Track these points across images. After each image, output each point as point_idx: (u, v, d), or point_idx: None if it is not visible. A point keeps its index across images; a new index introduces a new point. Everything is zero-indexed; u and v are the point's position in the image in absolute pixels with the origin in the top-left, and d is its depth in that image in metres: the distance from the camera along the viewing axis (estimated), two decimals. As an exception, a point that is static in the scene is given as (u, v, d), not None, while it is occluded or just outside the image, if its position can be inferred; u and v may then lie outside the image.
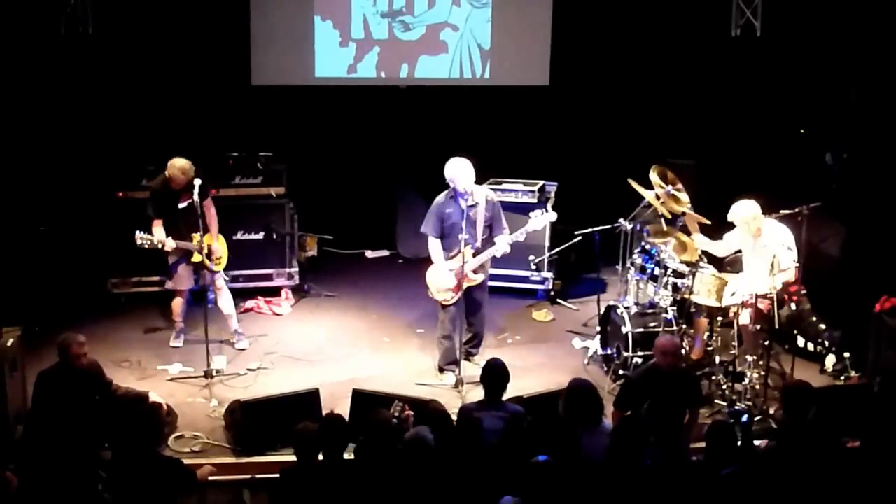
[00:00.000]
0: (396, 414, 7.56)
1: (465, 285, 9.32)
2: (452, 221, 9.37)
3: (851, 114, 11.92)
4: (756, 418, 8.59)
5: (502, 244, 9.40)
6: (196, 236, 9.49)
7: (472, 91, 13.12)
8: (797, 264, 9.17)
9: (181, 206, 9.64)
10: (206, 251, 9.61)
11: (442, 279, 9.39)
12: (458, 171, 9.27)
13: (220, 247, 9.96)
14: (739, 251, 9.60)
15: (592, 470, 6.73)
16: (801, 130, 12.17)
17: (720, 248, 9.71)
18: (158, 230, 9.64)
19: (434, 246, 9.48)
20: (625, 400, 8.03)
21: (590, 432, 7.10)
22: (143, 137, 11.78)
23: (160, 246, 9.59)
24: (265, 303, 11.30)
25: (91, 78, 11.91)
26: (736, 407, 8.84)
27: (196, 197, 9.28)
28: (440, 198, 9.49)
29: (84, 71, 11.86)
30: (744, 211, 9.22)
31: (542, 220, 9.60)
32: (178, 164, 9.62)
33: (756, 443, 7.72)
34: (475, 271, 9.35)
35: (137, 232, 9.52)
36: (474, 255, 9.30)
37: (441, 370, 9.65)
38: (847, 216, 11.05)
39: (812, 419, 7.02)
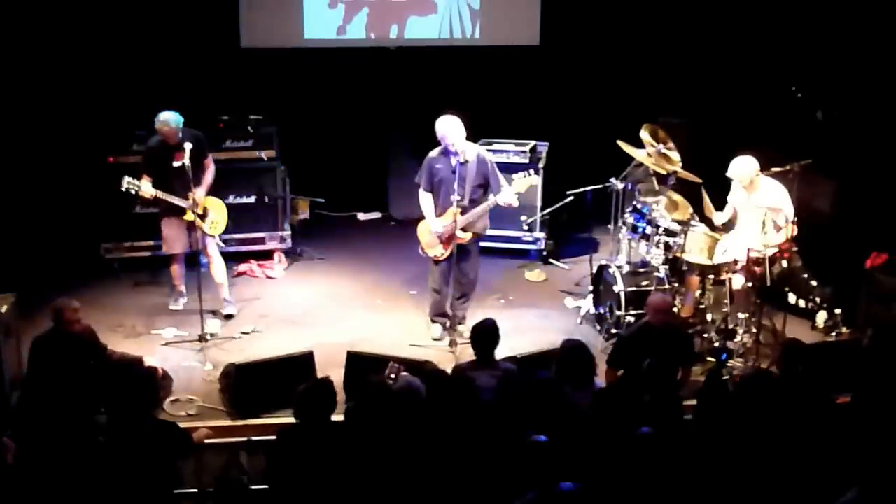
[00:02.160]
0: (392, 375, 7.61)
1: (454, 243, 9.32)
2: (441, 177, 9.34)
3: (842, 70, 11.89)
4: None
5: (503, 197, 9.26)
6: (189, 195, 9.42)
7: (462, 51, 13.04)
8: (793, 220, 9.16)
9: (175, 164, 9.35)
10: (199, 210, 9.57)
11: (432, 235, 9.40)
12: (449, 127, 9.24)
13: (216, 210, 9.83)
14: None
15: (584, 428, 6.78)
16: (794, 89, 12.12)
17: (727, 214, 9.70)
18: (146, 183, 9.47)
19: (425, 199, 9.47)
20: (617, 358, 8.08)
21: (581, 391, 7.14)
22: (133, 102, 11.72)
23: (146, 195, 9.44)
24: (258, 266, 11.30)
25: (80, 43, 11.82)
26: (715, 345, 9.03)
27: (187, 161, 9.16)
28: (433, 152, 9.45)
29: (73, 36, 11.78)
30: (741, 167, 9.28)
31: (524, 182, 9.41)
32: (162, 117, 9.52)
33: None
34: (464, 229, 9.31)
35: (125, 176, 9.40)
36: (462, 213, 9.21)
37: (432, 321, 9.70)
38: (838, 173, 11.05)
39: (802, 375, 7.07)
